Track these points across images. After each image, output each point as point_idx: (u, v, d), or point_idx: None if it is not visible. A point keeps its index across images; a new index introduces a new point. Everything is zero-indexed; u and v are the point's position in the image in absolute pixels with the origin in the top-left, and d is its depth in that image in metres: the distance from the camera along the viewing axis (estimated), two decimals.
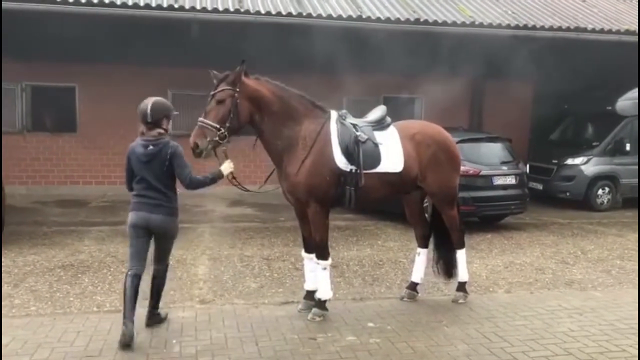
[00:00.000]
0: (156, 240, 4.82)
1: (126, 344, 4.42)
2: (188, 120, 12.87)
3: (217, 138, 4.73)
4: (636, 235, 9.65)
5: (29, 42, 10.97)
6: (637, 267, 7.51)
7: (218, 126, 4.72)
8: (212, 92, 4.85)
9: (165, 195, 4.64)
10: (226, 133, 4.75)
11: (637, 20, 12.35)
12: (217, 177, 4.76)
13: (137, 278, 4.63)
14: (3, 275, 6.44)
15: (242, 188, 5.19)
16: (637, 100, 12.46)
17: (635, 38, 11.59)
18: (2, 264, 6.86)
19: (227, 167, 4.82)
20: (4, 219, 8.07)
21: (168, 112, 4.70)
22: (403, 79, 12.92)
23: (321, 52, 10.16)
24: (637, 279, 6.98)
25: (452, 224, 5.71)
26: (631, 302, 5.90)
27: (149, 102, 4.62)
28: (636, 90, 12.45)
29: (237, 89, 4.81)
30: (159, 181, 4.61)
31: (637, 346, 4.71)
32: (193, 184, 4.64)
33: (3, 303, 5.51)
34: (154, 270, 4.92)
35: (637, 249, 8.65)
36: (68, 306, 5.54)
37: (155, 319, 4.97)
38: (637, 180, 12.52)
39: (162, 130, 4.62)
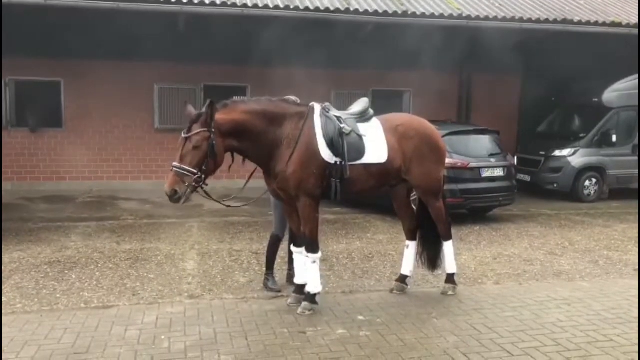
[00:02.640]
0: None
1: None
2: (175, 115, 12.96)
3: (194, 183, 4.65)
4: (623, 226, 9.74)
5: (13, 36, 10.83)
6: (624, 258, 7.58)
7: (195, 171, 4.62)
8: (185, 135, 4.67)
9: None
10: (203, 176, 4.67)
11: (624, 12, 12.42)
12: None
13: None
14: None
15: (223, 204, 5.19)
16: (623, 92, 12.56)
17: (621, 30, 11.67)
18: None
19: None
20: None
21: None
22: (391, 73, 12.93)
23: (309, 46, 10.13)
24: (624, 269, 7.05)
25: (439, 216, 5.71)
26: (618, 292, 5.95)
27: None
28: (622, 81, 12.56)
29: (212, 130, 4.66)
30: None
31: (625, 336, 4.74)
32: None
33: None
34: None
35: (624, 239, 8.73)
36: (55, 303, 5.47)
37: None
38: (623, 171, 12.64)
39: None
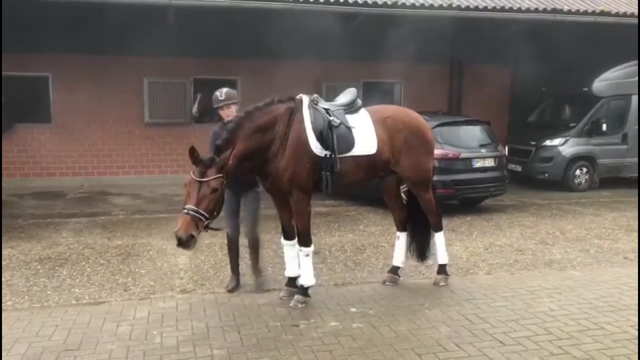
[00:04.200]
0: None
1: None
2: (166, 108, 12.88)
3: (203, 228, 4.51)
4: (614, 214, 9.80)
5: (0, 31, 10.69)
6: (615, 246, 7.62)
7: (208, 216, 4.49)
8: (200, 179, 4.46)
9: None
10: (212, 220, 4.56)
11: (613, 1, 12.43)
12: None
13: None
14: None
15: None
16: (613, 81, 12.61)
17: (610, 19, 11.69)
18: None
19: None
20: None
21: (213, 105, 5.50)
22: (382, 64, 12.89)
23: (299, 37, 10.08)
24: (614, 257, 7.09)
25: (429, 207, 5.72)
26: (609, 281, 5.99)
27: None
28: (612, 71, 12.60)
29: (225, 174, 4.56)
30: None
31: (615, 324, 4.78)
32: None
33: None
34: None
35: (614, 227, 8.78)
36: (46, 300, 5.44)
37: None
38: (613, 160, 12.71)
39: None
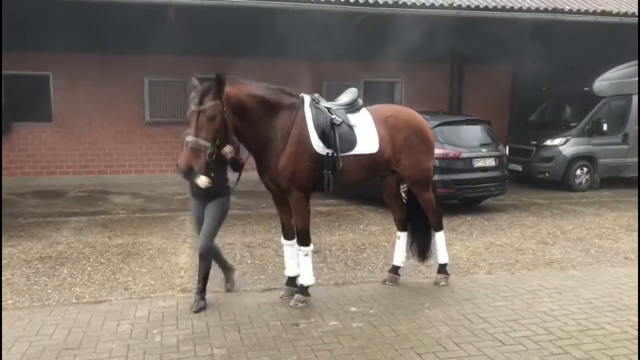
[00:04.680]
0: None
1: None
2: (167, 107, 12.87)
3: (208, 158, 4.53)
4: (614, 214, 9.79)
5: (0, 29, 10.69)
6: (615, 246, 7.62)
7: (210, 144, 4.50)
8: (198, 108, 4.50)
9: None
10: (214, 150, 4.57)
11: (614, 1, 12.41)
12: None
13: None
14: None
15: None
16: (614, 81, 12.60)
17: (611, 19, 11.68)
18: None
19: (203, 181, 4.71)
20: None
21: None
22: (383, 64, 12.87)
23: (301, 37, 10.08)
24: (615, 257, 7.09)
25: (429, 207, 5.72)
26: (609, 280, 5.98)
27: None
28: (613, 70, 12.59)
29: (224, 102, 4.56)
30: None
31: (615, 324, 4.77)
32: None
33: None
34: None
35: (615, 227, 8.78)
36: (46, 298, 5.44)
37: None
38: (614, 160, 12.71)
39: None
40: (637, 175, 12.33)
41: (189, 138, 4.47)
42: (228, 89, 4.64)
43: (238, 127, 4.80)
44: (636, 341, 4.40)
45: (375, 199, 9.68)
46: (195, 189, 4.98)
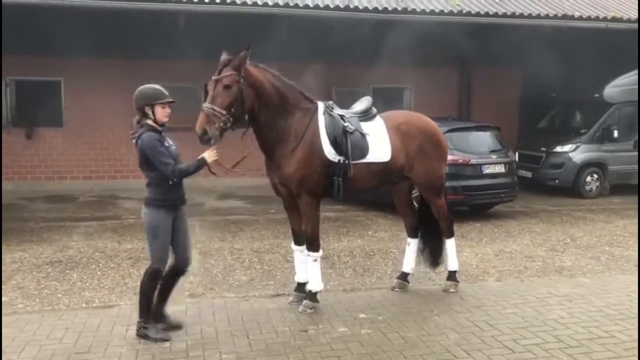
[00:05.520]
0: None
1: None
2: (176, 113, 12.91)
3: (222, 124, 4.62)
4: (625, 222, 9.71)
5: (13, 35, 10.80)
6: (626, 254, 7.56)
7: (225, 112, 4.62)
8: (216, 77, 4.71)
9: (147, 185, 4.54)
10: (231, 119, 4.66)
11: (624, 7, 12.37)
12: (201, 164, 4.51)
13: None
14: None
15: (226, 168, 4.92)
16: (624, 87, 12.51)
17: (622, 25, 11.62)
18: None
19: (211, 155, 4.56)
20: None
21: (152, 100, 4.42)
22: (392, 70, 12.89)
23: (310, 43, 10.12)
24: (626, 265, 7.03)
25: (440, 213, 5.72)
26: (620, 288, 5.94)
27: (137, 89, 4.50)
28: (623, 77, 12.50)
29: (242, 75, 4.72)
30: (144, 172, 4.51)
31: (626, 332, 4.73)
32: (177, 176, 4.43)
33: None
34: None
35: (625, 235, 8.71)
36: (56, 303, 5.48)
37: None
38: (625, 167, 12.61)
39: (146, 121, 4.43)
40: None
41: (205, 104, 4.66)
42: (250, 67, 4.82)
43: (254, 107, 4.87)
44: None
45: (384, 205, 9.68)
46: (172, 195, 4.55)
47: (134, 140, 4.45)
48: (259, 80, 4.87)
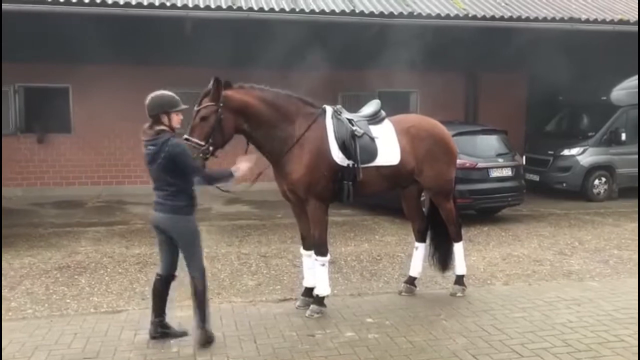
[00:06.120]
0: (174, 242, 4.58)
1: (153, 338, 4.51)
2: (184, 119, 12.97)
3: (202, 155, 4.66)
4: (633, 225, 9.65)
5: (22, 43, 10.90)
6: (634, 257, 7.52)
7: (202, 143, 4.65)
8: (195, 109, 4.77)
9: (170, 194, 4.42)
10: (210, 148, 4.70)
11: (631, 10, 12.32)
12: (229, 176, 4.58)
13: (159, 281, 4.58)
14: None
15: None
16: (632, 90, 12.45)
17: (629, 28, 11.57)
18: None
19: (242, 169, 4.60)
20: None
21: (167, 108, 4.39)
22: (397, 74, 12.88)
23: (315, 48, 10.13)
24: (634, 268, 6.99)
25: (449, 217, 5.71)
26: (629, 292, 5.90)
27: (149, 97, 4.44)
28: (631, 79, 12.45)
29: (220, 104, 4.73)
30: (163, 181, 4.41)
31: (635, 336, 4.70)
32: (207, 181, 4.54)
33: None
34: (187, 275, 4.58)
35: (634, 238, 8.66)
36: (65, 308, 5.51)
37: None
38: (633, 170, 12.53)
39: (162, 128, 4.35)
40: None
41: (185, 136, 4.71)
42: (231, 92, 4.84)
43: (247, 131, 4.94)
44: None
45: (391, 209, 9.67)
46: (196, 199, 4.60)
47: (151, 147, 4.34)
48: (243, 101, 4.88)
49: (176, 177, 4.38)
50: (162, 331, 4.63)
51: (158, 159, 4.31)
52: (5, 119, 12.46)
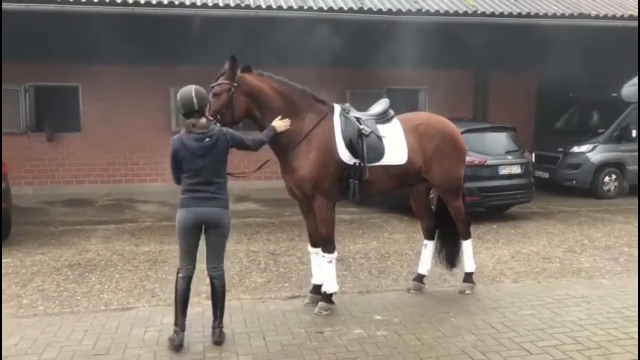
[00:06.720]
0: (209, 236, 4.53)
1: (175, 349, 4.37)
2: None
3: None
4: None
5: (31, 42, 11.00)
6: None
7: (211, 118, 4.70)
8: (210, 85, 4.90)
9: (220, 187, 4.45)
10: (218, 125, 4.69)
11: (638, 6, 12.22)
12: (271, 133, 4.89)
13: (188, 280, 4.54)
14: (11, 275, 6.49)
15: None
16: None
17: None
18: (10, 264, 6.91)
19: (280, 126, 4.92)
20: (10, 220, 8.14)
21: (209, 99, 4.68)
22: (406, 71, 12.86)
23: (324, 45, 10.14)
24: None
25: (458, 215, 5.70)
26: None
27: (192, 89, 4.44)
28: None
29: (235, 84, 4.83)
30: (215, 173, 4.44)
31: None
32: (258, 145, 4.80)
33: (11, 303, 5.55)
34: (211, 271, 4.58)
35: None
36: (75, 305, 5.56)
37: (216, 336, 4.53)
38: None
39: (206, 119, 4.51)
40: None
41: None
42: (248, 75, 4.95)
43: (255, 114, 5.01)
44: None
45: (399, 207, 9.67)
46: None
47: (208, 139, 4.35)
48: (256, 87, 4.96)
49: (225, 168, 4.55)
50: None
51: (216, 150, 4.41)
52: (15, 118, 12.55)
